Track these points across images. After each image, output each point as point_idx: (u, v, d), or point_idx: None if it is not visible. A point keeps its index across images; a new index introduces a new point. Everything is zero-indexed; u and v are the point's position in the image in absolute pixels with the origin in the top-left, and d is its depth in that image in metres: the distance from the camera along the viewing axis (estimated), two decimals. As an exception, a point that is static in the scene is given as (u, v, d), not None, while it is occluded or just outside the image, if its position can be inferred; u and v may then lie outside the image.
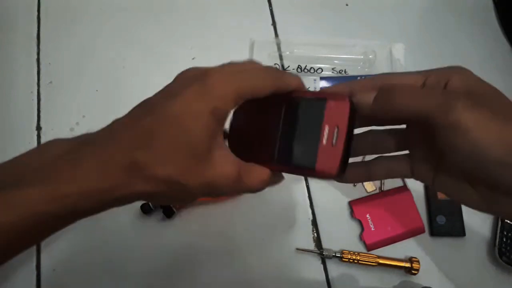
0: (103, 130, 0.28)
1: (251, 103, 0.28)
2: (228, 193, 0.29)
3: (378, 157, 0.33)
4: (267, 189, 0.30)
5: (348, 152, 0.28)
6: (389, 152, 0.32)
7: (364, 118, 0.29)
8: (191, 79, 0.27)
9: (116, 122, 0.28)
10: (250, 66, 0.29)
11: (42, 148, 0.27)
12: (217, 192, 0.28)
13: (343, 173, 0.28)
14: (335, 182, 0.30)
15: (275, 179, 0.31)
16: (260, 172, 0.29)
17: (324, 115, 0.28)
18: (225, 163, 0.27)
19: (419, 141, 0.30)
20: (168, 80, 0.29)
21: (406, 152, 0.32)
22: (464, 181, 0.28)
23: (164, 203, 0.48)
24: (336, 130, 0.27)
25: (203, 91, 0.26)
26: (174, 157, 0.26)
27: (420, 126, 0.29)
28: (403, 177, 0.33)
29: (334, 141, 0.27)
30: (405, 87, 0.27)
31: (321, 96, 0.28)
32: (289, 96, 0.29)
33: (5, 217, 0.24)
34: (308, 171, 0.28)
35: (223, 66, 0.28)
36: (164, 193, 0.27)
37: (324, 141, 0.28)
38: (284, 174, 0.32)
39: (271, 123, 0.30)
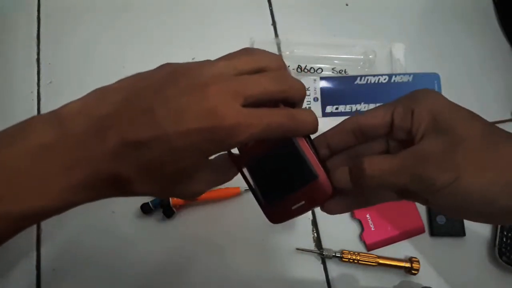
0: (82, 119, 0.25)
1: None
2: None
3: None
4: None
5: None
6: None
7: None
8: (188, 89, 0.24)
9: (99, 114, 0.25)
10: (263, 91, 0.26)
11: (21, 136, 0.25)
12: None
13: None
14: None
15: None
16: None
17: (306, 186, 0.28)
18: (200, 182, 0.28)
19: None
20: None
21: None
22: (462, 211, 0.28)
23: None
24: (302, 204, 0.29)
25: (207, 116, 0.24)
26: (156, 179, 0.25)
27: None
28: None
29: (294, 208, 0.29)
30: (372, 163, 0.26)
31: (315, 169, 0.28)
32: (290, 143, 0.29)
33: None
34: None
35: (225, 79, 0.25)
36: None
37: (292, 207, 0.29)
38: None
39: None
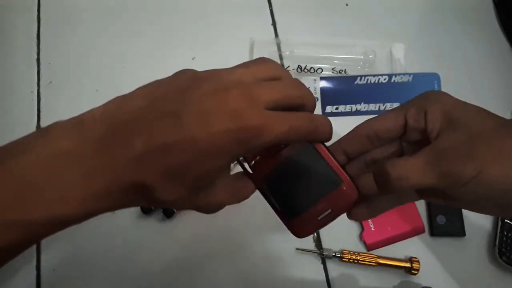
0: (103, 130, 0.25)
1: None
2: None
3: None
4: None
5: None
6: None
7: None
8: (212, 92, 0.24)
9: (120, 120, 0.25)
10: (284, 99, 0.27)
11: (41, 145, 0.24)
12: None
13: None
14: None
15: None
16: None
17: (331, 192, 0.28)
18: (221, 192, 0.28)
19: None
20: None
21: None
22: (482, 205, 0.28)
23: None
24: (329, 212, 0.28)
25: (233, 117, 0.24)
26: (179, 185, 0.25)
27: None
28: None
29: (321, 217, 0.29)
30: (396, 166, 0.26)
31: (338, 174, 0.28)
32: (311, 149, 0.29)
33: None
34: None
35: (246, 84, 0.25)
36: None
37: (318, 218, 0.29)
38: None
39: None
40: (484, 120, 0.26)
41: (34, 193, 0.23)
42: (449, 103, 0.27)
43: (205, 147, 0.24)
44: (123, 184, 0.24)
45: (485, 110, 0.27)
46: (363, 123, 0.31)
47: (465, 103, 0.28)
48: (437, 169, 0.25)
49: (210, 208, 0.28)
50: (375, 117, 0.30)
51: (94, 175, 0.24)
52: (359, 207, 0.30)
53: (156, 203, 0.26)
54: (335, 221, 0.27)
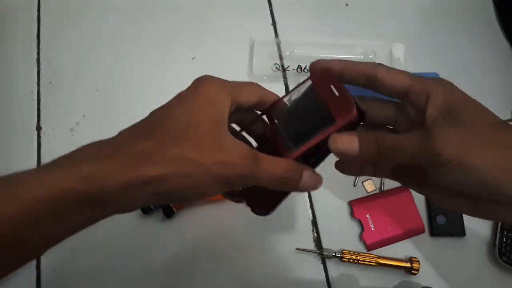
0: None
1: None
2: (250, 181, 0.28)
3: None
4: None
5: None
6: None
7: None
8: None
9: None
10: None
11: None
12: (236, 177, 0.27)
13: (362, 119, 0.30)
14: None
15: (313, 179, 0.30)
16: (280, 161, 0.29)
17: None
18: (238, 145, 0.27)
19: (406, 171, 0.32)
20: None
21: None
22: (453, 196, 0.29)
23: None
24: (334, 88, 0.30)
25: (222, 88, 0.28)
26: (187, 135, 0.26)
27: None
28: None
29: (337, 93, 0.30)
30: (387, 138, 0.28)
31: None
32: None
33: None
34: (329, 128, 0.29)
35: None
36: (176, 180, 0.26)
37: (335, 94, 0.30)
38: None
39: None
40: (482, 116, 0.27)
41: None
42: (454, 93, 0.28)
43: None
44: (129, 155, 0.26)
45: (485, 108, 0.28)
46: (370, 64, 0.31)
47: (469, 97, 0.28)
48: (421, 145, 0.26)
49: (236, 163, 0.27)
50: (384, 67, 0.31)
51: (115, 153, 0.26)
52: (348, 163, 0.33)
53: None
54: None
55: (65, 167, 0.25)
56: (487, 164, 0.25)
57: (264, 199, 0.33)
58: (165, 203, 0.48)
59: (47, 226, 0.25)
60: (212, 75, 0.29)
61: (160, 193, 0.26)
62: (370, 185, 0.53)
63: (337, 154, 0.29)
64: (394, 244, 0.51)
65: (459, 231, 0.51)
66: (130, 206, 0.27)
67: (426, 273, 0.49)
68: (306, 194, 0.53)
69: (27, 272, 0.48)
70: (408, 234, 0.51)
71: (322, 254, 0.49)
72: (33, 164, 0.53)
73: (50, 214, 0.24)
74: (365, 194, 0.53)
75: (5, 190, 0.24)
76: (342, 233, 0.51)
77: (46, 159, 0.31)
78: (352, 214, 0.51)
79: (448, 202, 0.30)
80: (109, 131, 0.28)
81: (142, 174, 0.25)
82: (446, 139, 0.25)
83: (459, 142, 0.25)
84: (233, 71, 0.56)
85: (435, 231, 0.51)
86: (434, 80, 0.29)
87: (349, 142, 0.28)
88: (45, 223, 0.25)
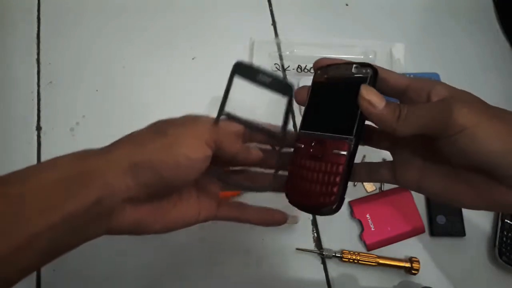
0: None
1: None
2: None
3: (362, 162, 0.34)
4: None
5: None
6: (383, 180, 0.35)
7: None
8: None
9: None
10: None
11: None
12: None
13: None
14: None
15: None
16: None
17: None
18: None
19: (407, 146, 0.33)
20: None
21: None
22: (456, 181, 0.30)
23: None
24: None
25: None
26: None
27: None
28: (385, 182, 0.35)
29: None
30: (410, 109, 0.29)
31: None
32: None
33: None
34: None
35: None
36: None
37: None
38: None
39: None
40: (483, 103, 0.29)
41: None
42: (454, 88, 0.30)
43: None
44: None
45: (485, 102, 0.29)
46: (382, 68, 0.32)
47: (464, 91, 0.30)
48: (444, 111, 0.27)
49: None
50: (389, 71, 0.32)
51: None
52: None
53: None
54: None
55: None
56: (496, 136, 0.26)
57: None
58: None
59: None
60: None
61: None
62: (370, 185, 0.53)
63: (365, 104, 0.30)
64: (394, 244, 0.51)
65: (459, 231, 0.51)
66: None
67: (426, 273, 0.49)
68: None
69: (27, 272, 0.48)
70: (408, 234, 0.51)
71: (322, 254, 0.49)
72: (33, 164, 0.52)
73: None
74: (365, 194, 0.53)
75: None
76: (342, 233, 0.51)
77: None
78: (352, 214, 0.51)
79: (448, 192, 0.30)
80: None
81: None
82: (461, 108, 0.27)
83: (473, 113, 0.27)
84: (233, 71, 0.56)
85: (435, 231, 0.51)
86: (433, 80, 0.31)
87: (378, 95, 0.29)
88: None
